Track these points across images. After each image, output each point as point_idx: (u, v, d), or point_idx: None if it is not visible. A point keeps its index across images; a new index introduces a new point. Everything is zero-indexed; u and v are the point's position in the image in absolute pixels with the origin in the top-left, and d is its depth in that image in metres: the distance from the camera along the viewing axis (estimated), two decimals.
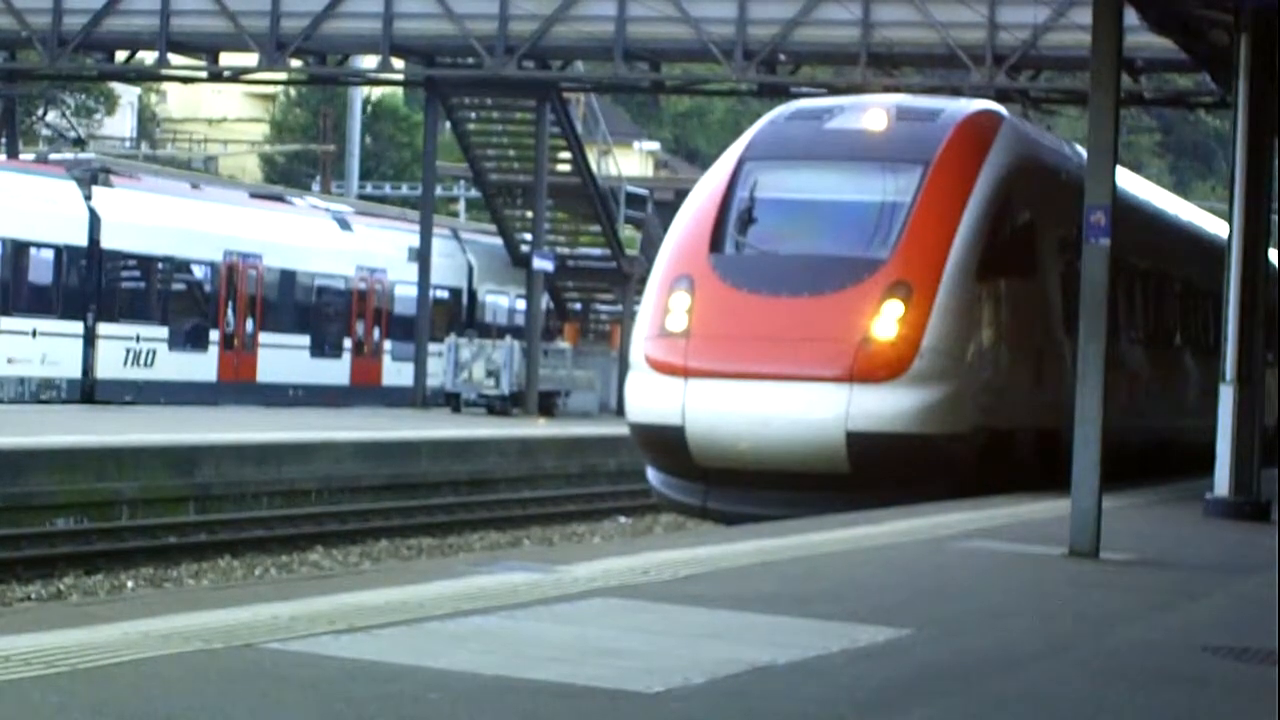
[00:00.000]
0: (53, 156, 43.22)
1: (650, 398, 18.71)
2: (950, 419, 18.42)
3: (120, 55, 41.67)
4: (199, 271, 39.77)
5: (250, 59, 41.27)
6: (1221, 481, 16.85)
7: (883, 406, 18.01)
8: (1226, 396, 16.90)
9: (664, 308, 18.80)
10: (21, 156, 42.84)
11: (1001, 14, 36.38)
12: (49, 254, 36.08)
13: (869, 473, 18.01)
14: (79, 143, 51.22)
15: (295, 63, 40.77)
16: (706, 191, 19.88)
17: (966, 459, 18.72)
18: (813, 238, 19.25)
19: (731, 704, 6.94)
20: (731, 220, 19.35)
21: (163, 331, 38.42)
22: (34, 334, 35.50)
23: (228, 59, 41.85)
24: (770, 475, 18.23)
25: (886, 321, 18.22)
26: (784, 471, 18.16)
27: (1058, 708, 7.42)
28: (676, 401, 18.38)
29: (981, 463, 18.93)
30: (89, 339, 36.65)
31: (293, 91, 71.46)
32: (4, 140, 43.96)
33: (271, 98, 77.87)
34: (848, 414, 17.96)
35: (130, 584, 19.32)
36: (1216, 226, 32.04)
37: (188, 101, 74.59)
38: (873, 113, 20.19)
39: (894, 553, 12.95)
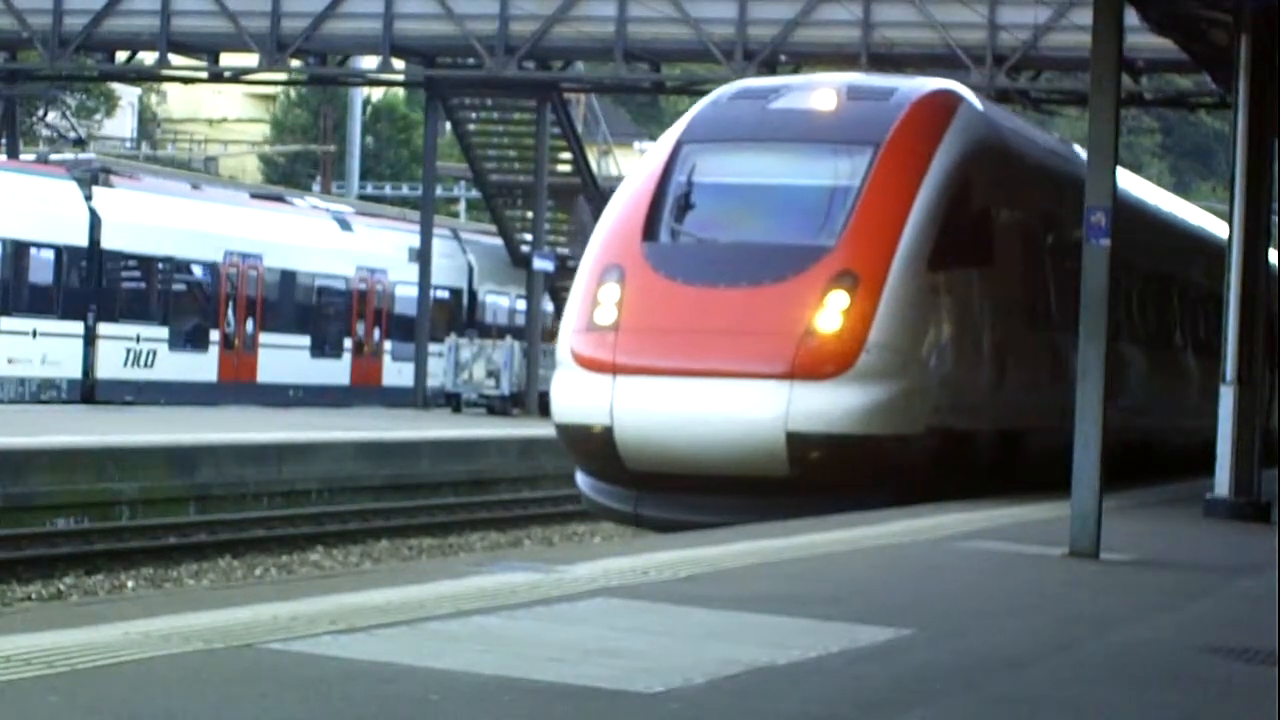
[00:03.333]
0: (53, 157, 43.23)
1: (576, 396, 17.41)
2: (899, 419, 17.20)
3: (121, 56, 41.72)
4: (199, 272, 39.78)
5: (251, 59, 41.31)
6: (1221, 482, 16.84)
7: (825, 405, 16.77)
8: (1227, 397, 16.90)
9: (592, 300, 17.48)
10: (22, 157, 42.86)
11: (1002, 14, 36.43)
12: (49, 254, 36.09)
13: (811, 477, 16.80)
14: (79, 143, 51.20)
15: (295, 63, 40.80)
16: (641, 176, 18.53)
17: (917, 462, 17.50)
18: (753, 225, 17.98)
19: (732, 704, 6.94)
20: (667, 206, 18.04)
21: (163, 332, 38.43)
22: (34, 334, 35.51)
23: (228, 59, 41.89)
24: (706, 480, 17.00)
25: (830, 314, 16.96)
26: (720, 476, 16.93)
27: (1058, 708, 7.42)
28: (604, 400, 17.09)
29: (935, 466, 17.69)
30: (89, 339, 36.67)
31: (293, 92, 71.48)
32: (4, 140, 43.97)
33: (272, 98, 77.94)
34: (787, 413, 16.70)
35: (130, 584, 19.31)
36: (1214, 225, 31.95)
37: (188, 102, 74.66)
38: (821, 92, 18.85)
39: (894, 553, 12.95)
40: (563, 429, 17.76)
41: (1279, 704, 7.58)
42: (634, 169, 19.51)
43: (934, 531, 14.35)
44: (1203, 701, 7.80)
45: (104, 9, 39.18)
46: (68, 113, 56.24)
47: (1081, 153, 22.99)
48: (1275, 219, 21.97)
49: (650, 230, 17.85)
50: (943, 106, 18.87)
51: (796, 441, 16.72)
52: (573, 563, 11.00)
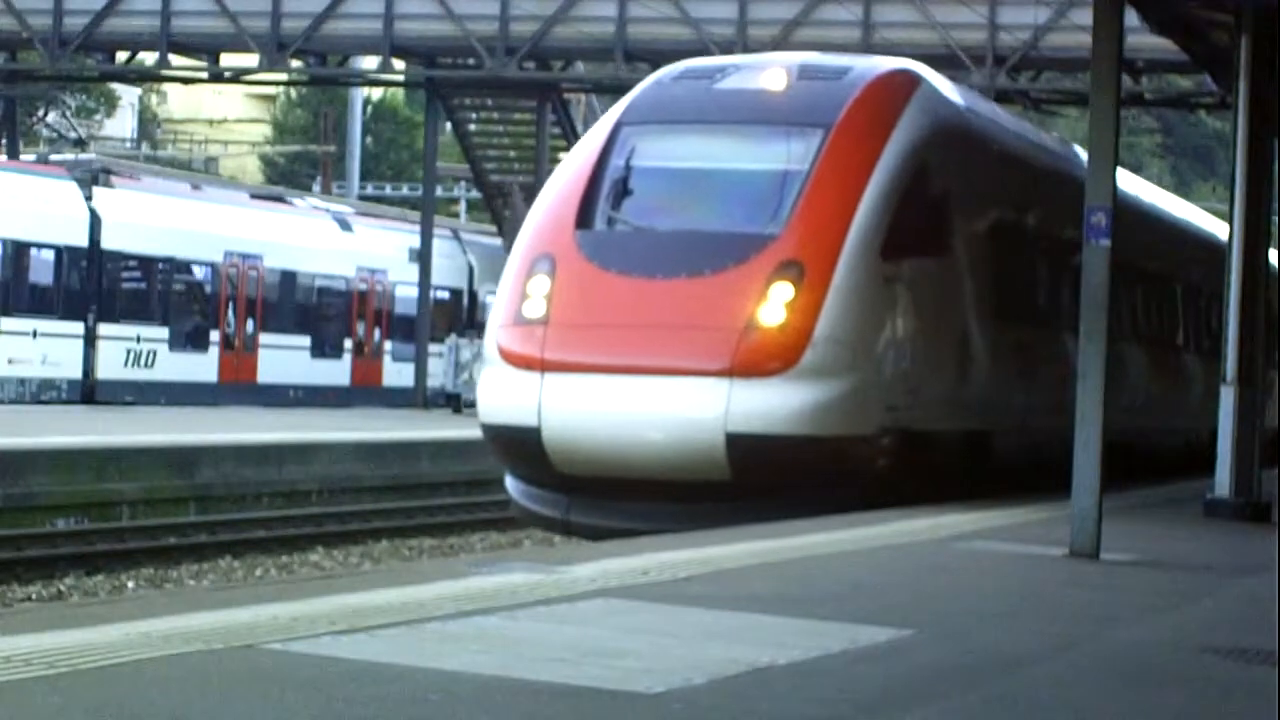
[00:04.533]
0: (53, 157, 43.29)
1: (503, 395, 16.32)
2: (849, 419, 16.07)
3: (121, 56, 41.74)
4: (199, 272, 39.81)
5: (251, 60, 41.34)
6: (1221, 482, 16.84)
7: (768, 404, 15.65)
8: (1227, 397, 16.89)
9: (521, 292, 16.32)
10: (22, 157, 42.89)
11: (1002, 15, 36.46)
12: (50, 254, 36.13)
13: (754, 481, 15.69)
14: (80, 143, 51.28)
15: (296, 63, 40.82)
16: (577, 161, 17.34)
17: (870, 465, 16.42)
18: (694, 212, 16.77)
19: (732, 705, 6.94)
20: (603, 193, 16.82)
21: (163, 332, 38.47)
22: (34, 334, 35.53)
23: (228, 60, 41.91)
24: (641, 484, 15.91)
25: (774, 306, 15.79)
26: (656, 480, 15.84)
27: (1058, 708, 7.42)
28: (532, 399, 15.98)
29: (891, 469, 16.59)
30: (89, 339, 36.71)
31: (293, 92, 71.50)
32: (5, 141, 43.99)
33: (272, 98, 77.97)
34: (727, 413, 15.57)
35: (131, 584, 19.32)
36: (1211, 224, 31.83)
37: (188, 102, 74.65)
38: (771, 72, 17.65)
39: (894, 553, 12.95)
40: (488, 430, 16.72)
41: (1279, 704, 7.58)
42: (570, 153, 18.25)
43: (933, 532, 14.35)
44: (1203, 701, 7.80)
45: (104, 9, 39.19)
46: (68, 113, 56.33)
47: (1073, 149, 23.00)
48: (1275, 219, 21.97)
49: (584, 217, 16.68)
50: (900, 87, 17.75)
51: (737, 443, 15.63)
52: (573, 563, 11.00)
